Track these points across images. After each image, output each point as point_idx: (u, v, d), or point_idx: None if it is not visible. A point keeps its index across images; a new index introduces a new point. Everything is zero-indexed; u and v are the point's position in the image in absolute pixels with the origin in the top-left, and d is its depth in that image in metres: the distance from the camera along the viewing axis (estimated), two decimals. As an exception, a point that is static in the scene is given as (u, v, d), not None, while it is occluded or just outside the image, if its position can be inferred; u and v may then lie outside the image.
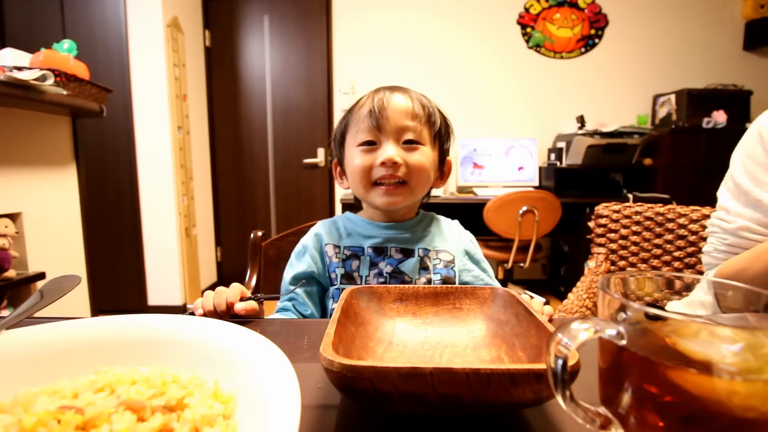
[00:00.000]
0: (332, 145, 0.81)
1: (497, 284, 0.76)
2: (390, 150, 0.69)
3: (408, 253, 0.76)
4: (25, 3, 2.58)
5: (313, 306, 0.76)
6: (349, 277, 0.75)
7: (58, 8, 2.56)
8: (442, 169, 0.81)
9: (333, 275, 0.75)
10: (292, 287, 0.75)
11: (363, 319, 0.43)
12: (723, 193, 0.77)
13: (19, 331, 0.34)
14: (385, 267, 0.75)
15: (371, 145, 0.71)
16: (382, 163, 0.69)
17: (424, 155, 0.72)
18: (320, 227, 0.80)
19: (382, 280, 0.74)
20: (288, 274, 0.77)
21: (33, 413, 0.24)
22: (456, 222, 0.86)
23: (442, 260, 0.77)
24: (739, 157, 0.75)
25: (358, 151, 0.72)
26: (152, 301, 2.74)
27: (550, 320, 0.55)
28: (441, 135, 0.77)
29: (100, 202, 2.66)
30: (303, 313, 0.75)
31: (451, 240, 0.80)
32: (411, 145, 0.71)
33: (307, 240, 0.79)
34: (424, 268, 0.75)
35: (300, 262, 0.77)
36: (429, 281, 0.75)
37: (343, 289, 0.72)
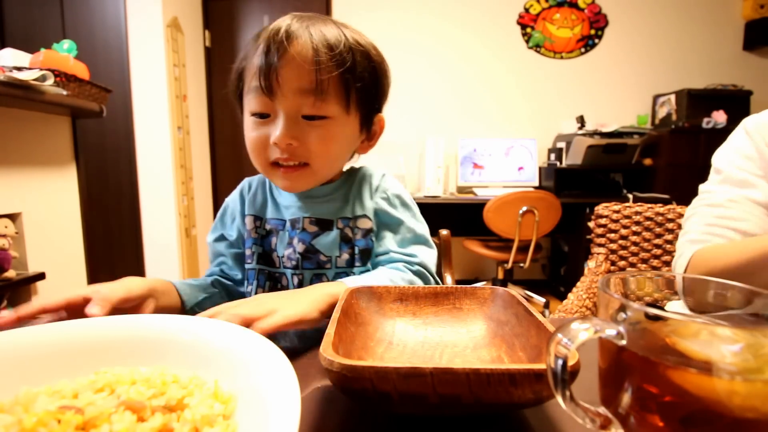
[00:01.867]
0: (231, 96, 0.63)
1: (418, 256, 0.62)
2: (282, 129, 0.54)
3: (325, 226, 0.63)
4: (25, 3, 2.58)
5: (242, 271, 0.68)
6: (266, 258, 0.65)
7: (58, 8, 2.56)
8: (370, 129, 0.65)
9: (248, 252, 0.65)
10: (222, 251, 0.68)
11: (363, 319, 0.43)
12: (706, 185, 0.76)
13: (19, 331, 0.34)
14: (297, 244, 0.62)
15: (264, 117, 0.56)
16: (276, 143, 0.55)
17: (330, 132, 0.56)
18: (245, 189, 0.70)
19: (294, 262, 0.63)
20: (217, 233, 0.69)
21: (33, 413, 0.24)
22: (381, 174, 0.69)
23: (360, 229, 0.64)
24: (725, 153, 0.74)
25: (251, 121, 0.57)
26: (152, 301, 2.73)
27: None
28: (367, 91, 0.59)
29: (100, 202, 2.66)
30: (233, 278, 0.67)
31: (367, 202, 0.66)
32: (312, 120, 0.55)
33: (235, 203, 0.70)
34: (346, 241, 0.64)
35: (231, 228, 0.69)
36: (351, 257, 0.63)
37: (258, 269, 0.65)
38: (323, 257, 0.63)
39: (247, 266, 0.66)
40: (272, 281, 0.66)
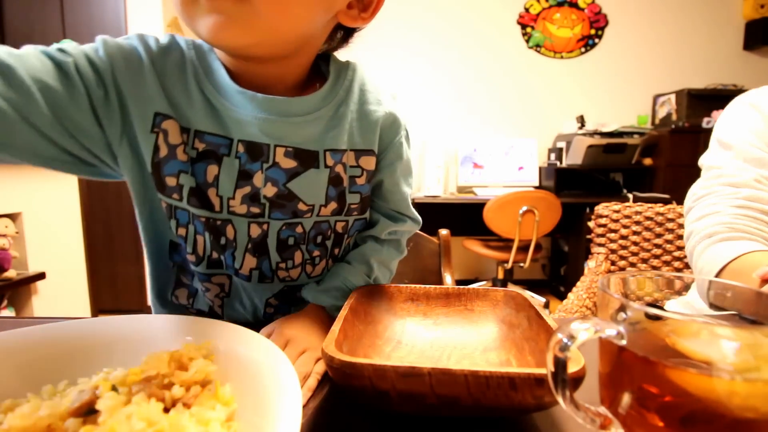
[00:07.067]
0: None
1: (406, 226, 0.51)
2: None
3: (308, 161, 0.43)
4: (25, 3, 2.58)
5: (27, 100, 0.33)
6: (200, 196, 0.41)
7: (58, 8, 2.56)
8: None
9: (171, 182, 0.41)
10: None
11: (373, 317, 0.43)
12: (714, 160, 0.70)
13: (19, 331, 0.34)
14: (264, 186, 0.42)
15: None
16: None
17: None
18: (152, 57, 0.39)
19: (257, 209, 0.43)
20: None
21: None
22: (381, 91, 0.47)
23: (364, 170, 0.45)
24: (731, 126, 0.70)
25: None
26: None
27: None
28: None
29: (100, 202, 2.66)
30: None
31: (374, 129, 0.45)
32: None
33: (138, 68, 0.39)
34: (335, 184, 0.45)
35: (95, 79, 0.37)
36: (342, 209, 0.46)
37: (192, 214, 0.42)
38: (303, 206, 0.44)
39: (169, 201, 0.42)
40: (212, 232, 0.44)
